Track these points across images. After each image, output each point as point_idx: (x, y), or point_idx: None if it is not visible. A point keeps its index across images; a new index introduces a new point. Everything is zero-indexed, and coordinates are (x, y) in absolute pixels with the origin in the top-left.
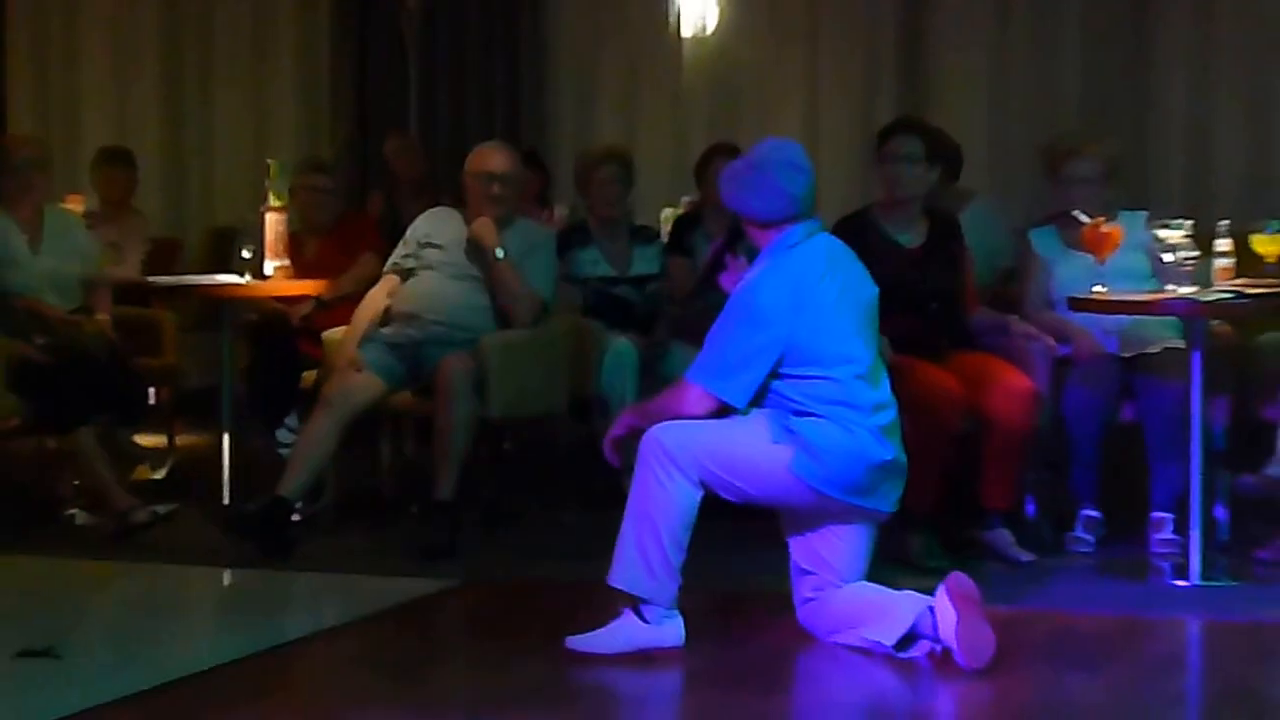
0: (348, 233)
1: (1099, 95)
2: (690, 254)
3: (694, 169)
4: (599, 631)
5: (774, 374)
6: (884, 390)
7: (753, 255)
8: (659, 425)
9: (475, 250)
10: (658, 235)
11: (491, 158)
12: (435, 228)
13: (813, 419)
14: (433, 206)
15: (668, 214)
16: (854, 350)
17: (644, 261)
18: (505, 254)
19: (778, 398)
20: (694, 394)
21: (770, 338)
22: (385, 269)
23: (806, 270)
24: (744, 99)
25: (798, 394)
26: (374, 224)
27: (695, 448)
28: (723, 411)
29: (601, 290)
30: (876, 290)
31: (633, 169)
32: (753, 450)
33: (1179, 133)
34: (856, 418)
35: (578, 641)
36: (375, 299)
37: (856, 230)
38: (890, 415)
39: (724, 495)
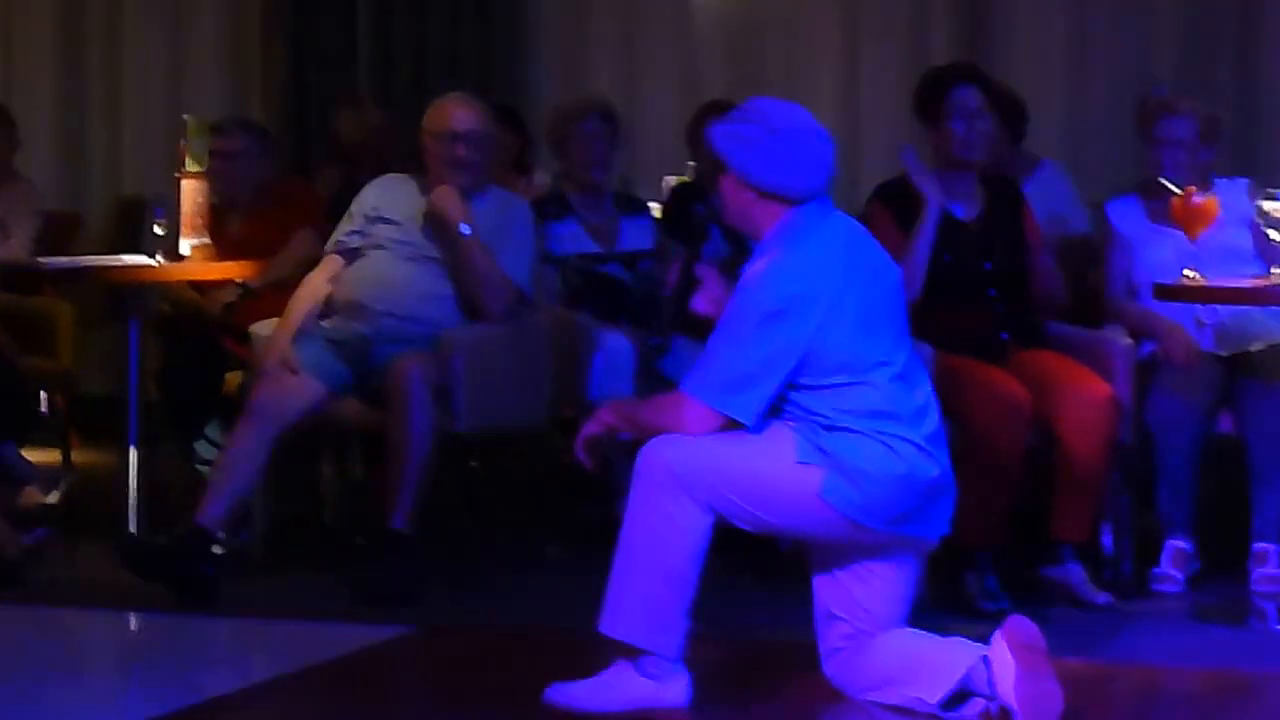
0: (279, 205)
1: (1200, 43)
2: (687, 239)
3: (687, 131)
4: (588, 682)
5: (791, 384)
6: (925, 388)
7: (728, 256)
8: (661, 439)
9: (436, 226)
10: (646, 206)
11: (455, 114)
12: (387, 199)
13: (847, 434)
14: None
15: (672, 183)
16: (889, 348)
17: (634, 235)
18: (473, 231)
19: (801, 411)
20: (693, 412)
21: (789, 341)
22: (326, 249)
23: (828, 257)
24: (767, 43)
25: (827, 407)
26: (312, 194)
27: (705, 467)
28: (727, 427)
29: (585, 269)
30: (899, 271)
31: (618, 124)
32: (776, 472)
33: None
34: (899, 429)
35: (561, 693)
36: (314, 285)
37: (903, 197)
38: (936, 419)
39: (739, 525)
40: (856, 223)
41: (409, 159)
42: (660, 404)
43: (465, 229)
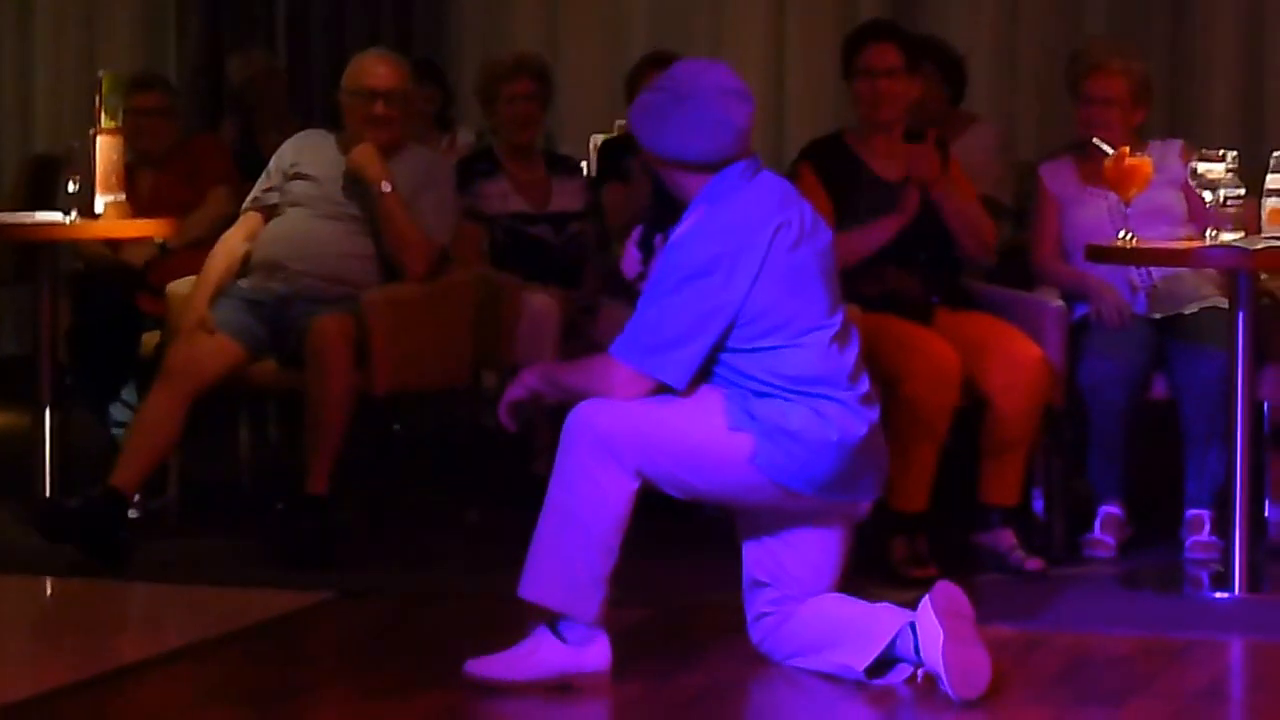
0: (193, 162)
1: (1133, 1)
2: (626, 179)
3: (625, 85)
4: (506, 653)
5: (721, 347)
6: (855, 349)
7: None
8: (589, 403)
9: (355, 184)
10: (579, 166)
11: (375, 70)
12: (306, 155)
13: (778, 400)
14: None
15: (599, 141)
16: (824, 311)
17: (564, 197)
18: (393, 189)
19: (733, 375)
20: (622, 374)
21: (716, 301)
22: (244, 206)
23: (758, 216)
24: None
25: (759, 370)
26: (226, 151)
27: (633, 432)
28: (657, 391)
29: (514, 230)
30: (831, 235)
31: (551, 83)
32: (705, 438)
33: (1227, 46)
34: (832, 392)
35: (480, 666)
36: (231, 244)
37: (829, 157)
38: (865, 380)
39: (666, 490)
40: (787, 183)
41: (302, 104)
42: (587, 367)
43: (385, 187)
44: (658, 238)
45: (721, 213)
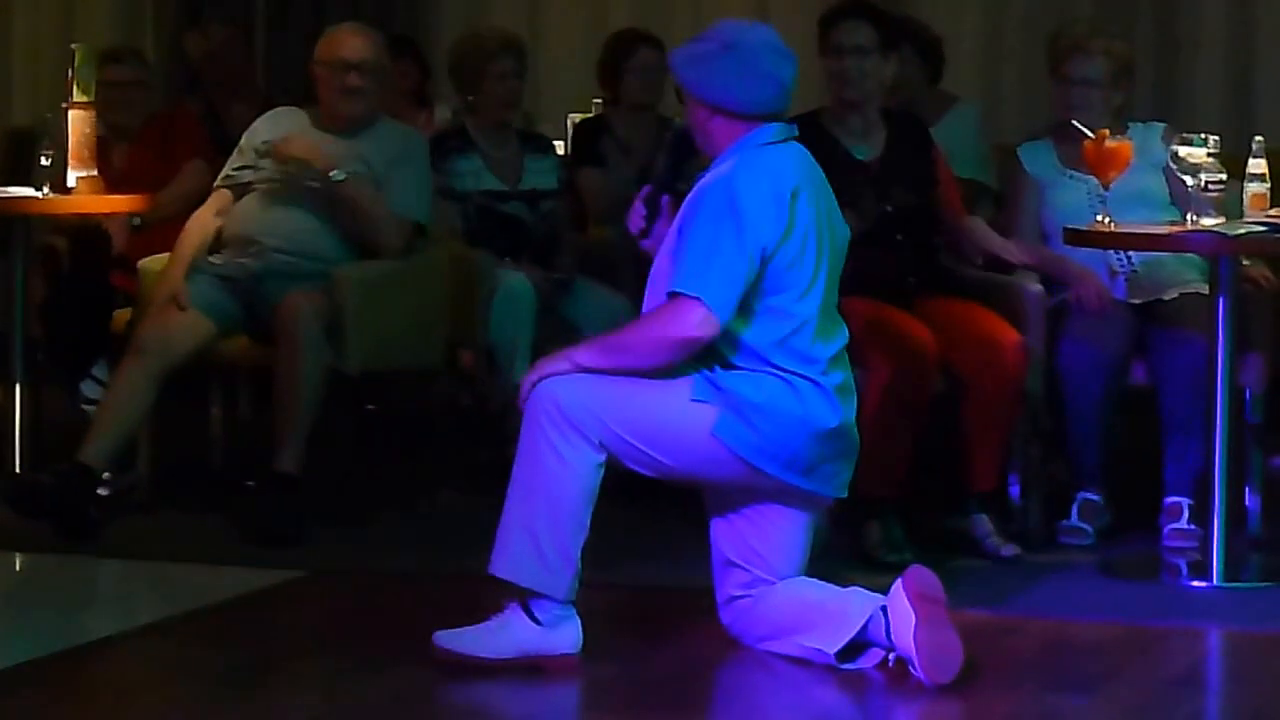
0: (165, 136)
1: None
2: (603, 164)
3: (600, 61)
4: (478, 627)
5: None
6: (840, 343)
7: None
8: (551, 378)
9: (313, 177)
10: (552, 145)
11: (347, 42)
12: (278, 132)
13: (747, 373)
14: (265, 108)
15: (576, 119)
16: (820, 288)
17: (537, 174)
18: (347, 175)
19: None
20: (697, 314)
21: (755, 248)
22: (217, 182)
23: (785, 175)
24: None
25: (741, 335)
26: (200, 124)
27: (597, 404)
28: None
29: (487, 207)
30: (849, 233)
31: (527, 59)
32: (669, 409)
33: (1212, 28)
34: (806, 370)
35: (449, 638)
36: (203, 220)
37: (802, 136)
38: (847, 373)
39: (633, 466)
40: (814, 161)
41: (280, 79)
42: (653, 316)
43: (337, 175)
44: (664, 199)
45: (756, 164)
